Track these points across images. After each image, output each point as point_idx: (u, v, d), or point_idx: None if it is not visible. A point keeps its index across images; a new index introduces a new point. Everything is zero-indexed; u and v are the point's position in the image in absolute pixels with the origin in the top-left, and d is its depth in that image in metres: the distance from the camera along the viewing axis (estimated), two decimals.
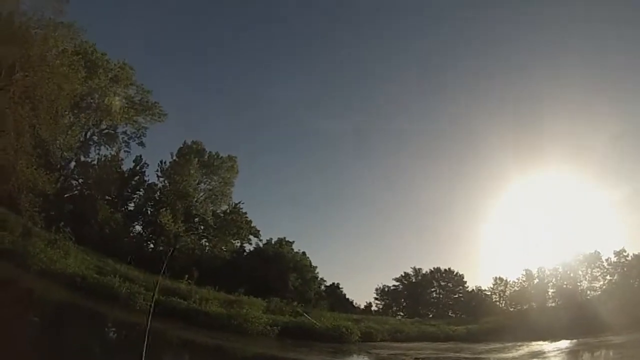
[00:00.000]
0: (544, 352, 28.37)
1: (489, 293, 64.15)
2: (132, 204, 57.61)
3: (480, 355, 27.90)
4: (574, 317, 36.04)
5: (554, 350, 28.65)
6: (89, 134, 53.41)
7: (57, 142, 40.27)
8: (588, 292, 53.06)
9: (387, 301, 70.86)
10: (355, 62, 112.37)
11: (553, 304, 53.54)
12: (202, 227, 58.15)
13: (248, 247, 60.87)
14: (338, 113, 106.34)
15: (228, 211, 59.95)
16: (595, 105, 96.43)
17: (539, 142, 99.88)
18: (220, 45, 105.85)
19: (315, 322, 32.97)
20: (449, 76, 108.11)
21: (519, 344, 31.18)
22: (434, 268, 70.65)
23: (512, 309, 57.83)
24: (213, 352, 22.53)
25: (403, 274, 71.38)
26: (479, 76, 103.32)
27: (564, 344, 30.50)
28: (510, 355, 27.76)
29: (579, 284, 54.12)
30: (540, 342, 31.58)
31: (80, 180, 53.55)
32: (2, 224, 28.42)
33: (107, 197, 51.83)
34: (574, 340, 30.98)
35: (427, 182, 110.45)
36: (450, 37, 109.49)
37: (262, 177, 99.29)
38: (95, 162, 54.55)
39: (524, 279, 60.09)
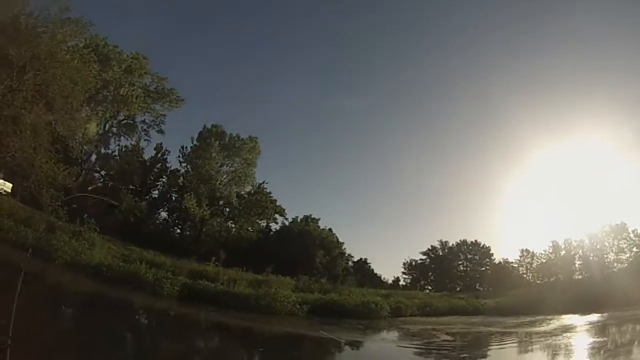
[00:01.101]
0: (576, 326, 27.93)
1: (516, 265, 64.46)
2: (156, 192, 58.68)
3: (511, 329, 27.44)
4: (601, 290, 35.58)
5: (586, 324, 28.21)
6: (107, 126, 54.48)
7: (76, 136, 40.85)
8: (615, 264, 52.42)
9: (415, 275, 70.82)
10: (379, 36, 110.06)
11: (580, 276, 53.11)
12: (227, 209, 58.98)
13: (274, 227, 61.61)
14: (362, 91, 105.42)
15: (252, 192, 60.33)
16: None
17: (565, 111, 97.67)
18: (238, 23, 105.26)
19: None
20: (473, 51, 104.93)
21: (549, 317, 30.83)
22: (460, 240, 70.48)
23: (538, 281, 57.82)
24: (242, 333, 22.18)
25: (430, 248, 71.45)
26: (502, 51, 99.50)
27: (594, 317, 30.06)
28: (541, 329, 27.35)
29: (605, 256, 53.47)
30: (570, 316, 31.16)
31: (103, 172, 54.94)
32: (26, 221, 28.73)
33: (130, 187, 52.86)
34: (605, 314, 30.55)
35: (453, 155, 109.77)
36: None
37: (287, 156, 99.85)
38: (116, 153, 55.86)
39: (551, 250, 60.59)
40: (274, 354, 18.18)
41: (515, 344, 23.09)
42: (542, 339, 23.58)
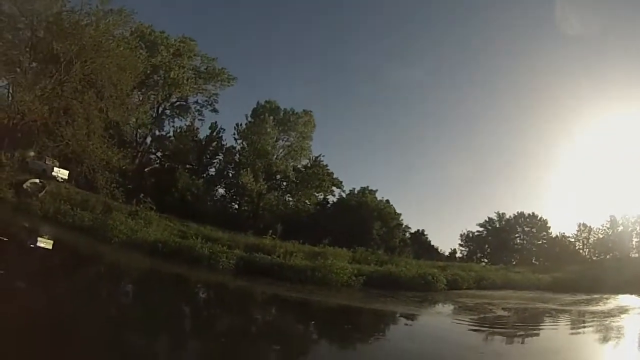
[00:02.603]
0: (634, 307, 26.69)
1: (573, 240, 62.30)
2: (213, 169, 60.04)
3: (567, 307, 26.25)
4: None
5: None
6: (160, 109, 56.24)
7: (129, 121, 42.45)
8: None
9: (472, 247, 69.29)
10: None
11: (637, 255, 50.53)
12: (284, 184, 59.61)
13: (331, 199, 61.51)
14: (418, 62, 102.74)
15: (309, 165, 60.65)
16: None
17: (623, 78, 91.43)
18: None
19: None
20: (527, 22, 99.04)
21: (605, 296, 29.53)
22: (517, 212, 68.13)
23: (595, 258, 55.97)
24: (297, 305, 22.12)
25: (487, 219, 69.57)
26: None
27: None
28: (598, 308, 26.13)
29: None
30: (627, 295, 29.73)
31: (159, 154, 56.99)
32: (83, 204, 30.26)
33: (187, 166, 54.52)
34: None
35: (512, 126, 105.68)
36: None
37: (344, 129, 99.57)
38: (171, 134, 57.62)
39: (608, 225, 58.21)
40: (329, 326, 18.15)
41: (571, 323, 22.26)
42: (598, 319, 22.53)
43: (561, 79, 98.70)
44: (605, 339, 17.64)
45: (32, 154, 34.43)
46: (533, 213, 67.20)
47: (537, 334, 19.31)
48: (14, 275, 13.82)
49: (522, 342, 16.86)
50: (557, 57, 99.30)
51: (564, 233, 63.75)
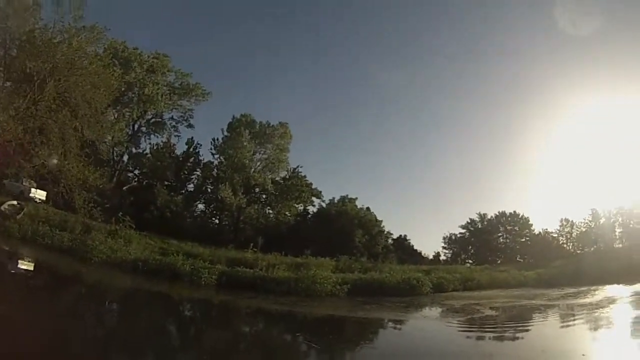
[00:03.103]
0: (622, 297, 26.81)
1: (556, 235, 63.23)
2: (192, 185, 59.81)
3: (555, 302, 26.46)
4: None
5: (632, 295, 27.13)
6: (136, 126, 55.93)
7: (105, 139, 41.99)
8: None
9: (455, 249, 69.65)
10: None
11: (620, 245, 51.59)
12: (263, 196, 59.74)
13: (311, 210, 61.82)
14: (396, 63, 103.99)
15: (287, 177, 60.90)
16: None
17: (606, 70, 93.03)
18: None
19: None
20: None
21: (593, 288, 29.55)
22: (499, 212, 68.72)
23: (579, 251, 56.68)
24: (282, 317, 21.96)
25: (469, 221, 70.07)
26: None
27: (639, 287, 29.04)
28: (587, 300, 26.31)
29: None
30: (614, 286, 29.96)
31: (137, 171, 56.51)
32: (62, 225, 29.99)
33: (165, 183, 54.15)
34: None
35: (488, 127, 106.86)
36: None
37: (320, 138, 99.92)
38: (147, 151, 57.17)
39: (590, 218, 59.19)
40: (315, 337, 17.77)
41: (560, 317, 22.45)
42: (587, 311, 22.71)
43: (537, 71, 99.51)
44: (596, 330, 17.91)
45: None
46: (514, 212, 67.87)
47: (528, 329, 19.42)
48: None
49: (513, 340, 16.94)
50: (535, 51, 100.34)
51: (546, 229, 64.60)
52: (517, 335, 17.78)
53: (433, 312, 26.12)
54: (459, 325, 20.47)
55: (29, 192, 34.48)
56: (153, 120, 57.17)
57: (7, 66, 32.62)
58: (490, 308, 24.83)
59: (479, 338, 17.68)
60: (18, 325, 11.25)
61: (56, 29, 33.48)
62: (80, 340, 11.73)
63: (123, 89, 45.57)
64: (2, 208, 29.58)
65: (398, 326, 20.98)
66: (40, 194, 35.32)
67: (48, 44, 32.17)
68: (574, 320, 20.97)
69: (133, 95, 51.92)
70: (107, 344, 12.42)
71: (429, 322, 22.55)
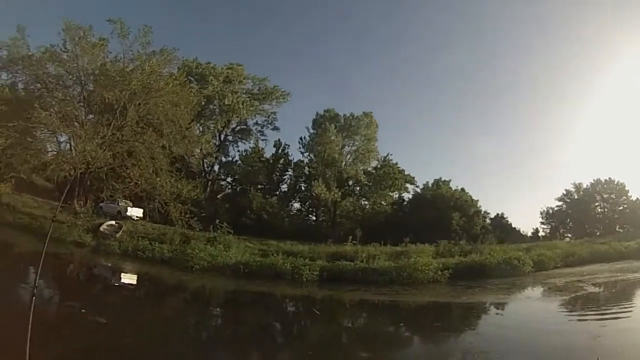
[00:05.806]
0: None
1: None
2: (285, 185, 60.72)
3: None
4: None
5: None
6: (222, 136, 57.83)
7: (194, 152, 43.51)
8: None
9: (554, 224, 65.15)
10: None
11: None
12: (357, 188, 59.02)
13: (407, 196, 60.65)
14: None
15: (379, 166, 59.83)
16: None
17: None
18: None
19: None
20: None
21: None
22: (594, 180, 63.53)
23: None
24: (385, 308, 21.70)
25: (565, 192, 65.41)
26: None
27: None
28: None
29: None
30: None
31: (229, 179, 58.43)
32: (161, 238, 31.55)
33: (259, 186, 55.41)
34: None
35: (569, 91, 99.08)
36: None
37: (407, 123, 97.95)
38: (237, 158, 59.02)
39: None
40: (418, 326, 17.81)
41: None
42: None
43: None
44: None
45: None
46: (609, 178, 62.60)
47: (632, 307, 18.02)
48: (107, 313, 14.07)
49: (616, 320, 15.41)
50: None
51: None
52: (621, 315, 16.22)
53: (536, 292, 25.07)
54: (562, 304, 19.62)
55: (126, 211, 36.20)
56: (238, 128, 58.91)
57: (86, 100, 35.09)
58: (593, 284, 23.86)
59: (581, 320, 16.59)
60: (126, 332, 12.01)
61: (127, 58, 35.54)
62: (182, 344, 12.02)
63: (203, 102, 47.41)
64: (101, 229, 31.63)
65: (500, 310, 19.97)
66: (136, 212, 37.04)
67: (122, 73, 34.15)
68: None
69: (214, 107, 53.63)
70: (218, 341, 13.18)
71: (531, 303, 21.52)
